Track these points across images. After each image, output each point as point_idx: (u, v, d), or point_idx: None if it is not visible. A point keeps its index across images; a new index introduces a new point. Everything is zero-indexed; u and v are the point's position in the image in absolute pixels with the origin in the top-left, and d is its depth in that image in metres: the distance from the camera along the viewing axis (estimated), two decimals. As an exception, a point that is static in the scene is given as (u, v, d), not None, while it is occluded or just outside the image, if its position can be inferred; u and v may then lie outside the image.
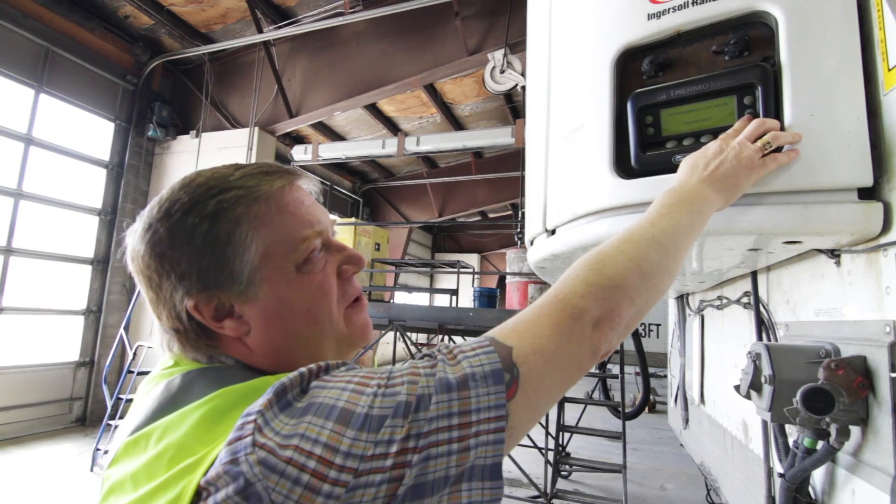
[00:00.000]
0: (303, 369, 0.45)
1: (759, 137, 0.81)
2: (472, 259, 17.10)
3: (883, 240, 0.81)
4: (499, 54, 5.64)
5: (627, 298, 0.56)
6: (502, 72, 5.72)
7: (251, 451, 0.38)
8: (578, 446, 6.12)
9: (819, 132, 0.82)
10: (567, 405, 4.73)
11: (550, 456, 4.61)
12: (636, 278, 0.57)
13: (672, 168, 0.87)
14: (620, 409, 4.52)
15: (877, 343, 0.81)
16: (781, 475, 1.01)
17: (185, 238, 0.53)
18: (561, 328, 0.51)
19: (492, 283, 16.24)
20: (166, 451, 0.45)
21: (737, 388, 1.10)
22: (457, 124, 9.16)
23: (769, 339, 1.30)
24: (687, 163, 0.82)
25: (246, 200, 0.55)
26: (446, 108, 8.62)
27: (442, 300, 14.13)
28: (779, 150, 0.82)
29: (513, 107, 8.68)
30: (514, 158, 9.00)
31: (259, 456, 0.38)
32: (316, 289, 0.57)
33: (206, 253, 0.53)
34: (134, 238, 0.56)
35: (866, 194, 0.81)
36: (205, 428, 0.45)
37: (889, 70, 0.80)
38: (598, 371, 5.26)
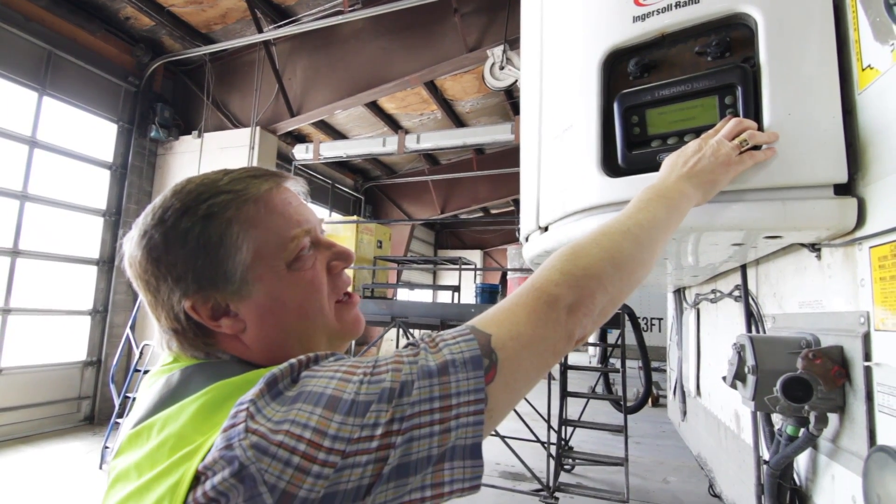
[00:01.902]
0: (293, 360, 0.47)
1: (737, 136, 0.84)
2: (475, 255, 17.12)
3: (858, 234, 0.84)
4: (498, 50, 5.65)
5: (601, 287, 0.59)
6: (502, 68, 5.73)
7: (244, 437, 0.41)
8: (581, 440, 6.15)
9: (796, 130, 0.85)
10: (570, 399, 4.75)
11: (553, 450, 4.65)
12: (609, 268, 0.61)
13: (657, 167, 0.90)
14: (622, 402, 4.54)
15: (852, 333, 0.84)
16: (766, 462, 1.04)
17: (180, 242, 0.55)
18: (537, 315, 0.54)
19: (494, 279, 16.26)
20: (167, 440, 0.47)
21: (724, 378, 1.13)
22: (458, 121, 9.16)
23: (758, 331, 1.33)
24: (668, 161, 0.85)
25: (236, 203, 0.57)
26: (447, 105, 8.63)
27: (445, 296, 14.19)
28: (757, 148, 0.85)
29: (513, 102, 8.67)
30: (515, 154, 8.99)
31: (252, 441, 0.40)
32: (307, 285, 0.60)
33: (200, 255, 0.55)
34: (130, 245, 0.59)
35: (842, 190, 0.84)
36: (202, 418, 0.47)
37: (863, 70, 0.83)
38: (600, 365, 5.29)
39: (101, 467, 4.75)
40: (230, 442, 0.41)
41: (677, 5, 0.98)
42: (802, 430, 0.93)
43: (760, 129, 0.87)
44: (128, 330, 5.44)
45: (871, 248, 0.81)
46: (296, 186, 0.65)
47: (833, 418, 0.90)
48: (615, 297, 0.62)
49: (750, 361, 0.99)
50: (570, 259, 0.60)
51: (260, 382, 0.45)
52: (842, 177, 0.83)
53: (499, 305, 0.56)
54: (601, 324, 0.63)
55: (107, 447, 4.80)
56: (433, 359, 0.48)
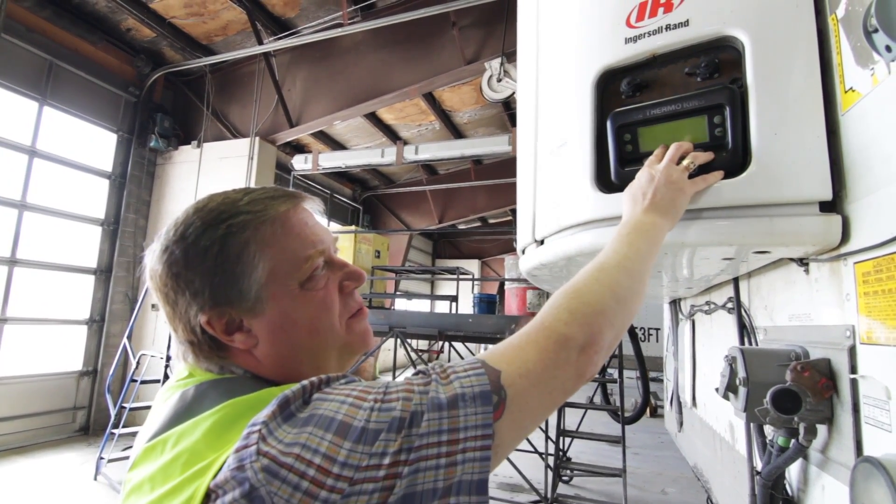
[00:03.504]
0: (305, 382, 0.48)
1: (682, 159, 0.89)
2: (473, 265, 17.14)
3: (843, 250, 0.86)
4: (496, 63, 5.72)
5: (607, 322, 0.61)
6: (499, 80, 5.80)
7: (256, 459, 0.42)
8: (580, 451, 6.15)
9: (783, 149, 0.88)
10: (567, 410, 4.76)
11: (551, 461, 4.64)
12: (612, 302, 0.63)
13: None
14: (620, 413, 4.55)
15: (839, 346, 0.86)
16: (758, 473, 1.06)
17: (199, 259, 0.57)
18: (547, 354, 0.55)
19: (492, 289, 16.27)
20: (181, 455, 0.49)
21: (717, 389, 1.15)
22: (456, 131, 9.24)
23: (751, 343, 1.35)
24: (628, 196, 0.89)
25: (254, 224, 0.59)
26: (445, 116, 8.71)
27: (443, 306, 14.19)
28: (707, 169, 0.91)
29: (511, 114, 8.75)
30: (513, 164, 9.05)
31: (263, 463, 0.42)
32: (318, 304, 0.61)
33: (217, 273, 0.57)
34: (152, 258, 0.61)
35: (826, 207, 0.87)
36: (215, 435, 0.48)
37: (846, 92, 0.86)
38: (598, 376, 5.29)
39: (95, 478, 4.71)
40: (242, 463, 0.42)
41: (668, 28, 1.01)
42: (793, 441, 0.95)
43: (748, 149, 0.90)
44: (125, 340, 5.42)
45: (855, 263, 0.83)
46: (312, 206, 0.67)
47: (822, 429, 0.92)
48: (619, 332, 0.64)
49: (741, 373, 1.01)
50: (575, 296, 0.62)
51: (273, 403, 0.46)
52: (826, 194, 0.86)
53: (509, 341, 0.57)
54: (607, 358, 0.64)
55: (102, 458, 4.77)
56: (444, 391, 0.49)
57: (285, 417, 0.45)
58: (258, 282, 0.58)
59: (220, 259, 0.57)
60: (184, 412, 0.54)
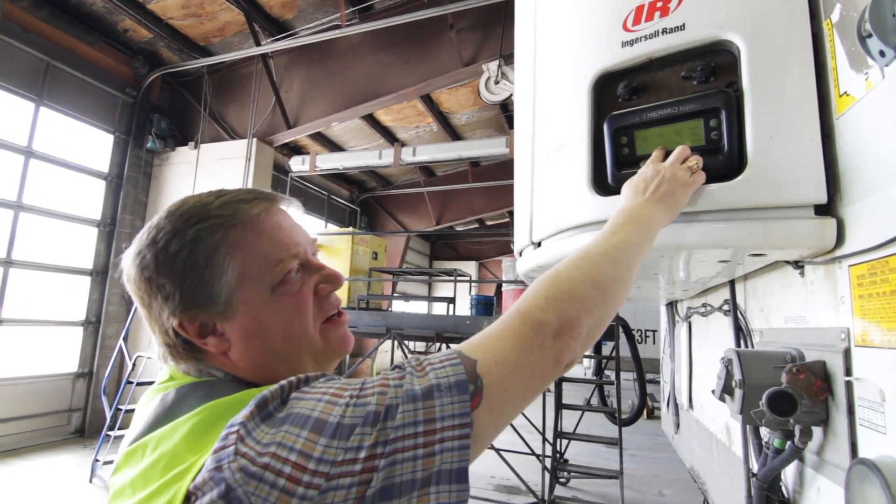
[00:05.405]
0: (283, 382, 0.49)
1: (685, 160, 0.91)
2: (470, 266, 17.15)
3: (837, 253, 0.87)
4: (493, 65, 5.74)
5: (585, 309, 0.60)
6: (497, 82, 5.82)
7: (233, 459, 0.42)
8: (577, 453, 6.15)
9: (778, 153, 0.89)
10: (564, 412, 4.76)
11: (548, 463, 4.64)
12: (592, 290, 0.62)
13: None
14: (617, 415, 4.55)
15: (834, 349, 0.87)
16: (754, 475, 1.06)
17: (168, 264, 0.58)
18: (523, 340, 0.55)
19: (490, 290, 16.29)
20: (160, 459, 0.49)
21: (713, 391, 1.16)
22: (453, 133, 9.26)
23: (746, 346, 1.36)
24: (630, 186, 0.90)
25: (223, 228, 0.59)
26: (443, 118, 8.72)
27: (440, 308, 14.20)
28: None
29: (508, 116, 8.77)
30: (510, 166, 9.07)
31: (240, 463, 0.42)
32: (291, 309, 0.61)
33: (186, 277, 0.57)
34: (127, 262, 0.61)
35: (821, 211, 0.87)
36: (194, 438, 0.49)
37: (840, 96, 0.87)
38: (595, 377, 5.30)
39: (91, 480, 4.69)
40: (220, 464, 0.43)
41: (664, 32, 1.02)
42: (788, 443, 0.95)
43: (743, 152, 0.90)
44: (121, 341, 5.41)
45: (850, 266, 0.84)
46: (289, 207, 0.67)
47: (817, 431, 0.92)
48: (600, 319, 0.63)
49: (737, 375, 1.01)
50: (553, 283, 0.62)
51: (251, 404, 0.46)
52: (821, 198, 0.86)
53: (485, 331, 0.57)
54: (589, 346, 0.64)
55: (97, 460, 4.75)
56: (419, 383, 0.49)
57: (263, 417, 0.45)
58: (228, 286, 0.58)
59: (188, 264, 0.58)
60: (164, 415, 0.55)
